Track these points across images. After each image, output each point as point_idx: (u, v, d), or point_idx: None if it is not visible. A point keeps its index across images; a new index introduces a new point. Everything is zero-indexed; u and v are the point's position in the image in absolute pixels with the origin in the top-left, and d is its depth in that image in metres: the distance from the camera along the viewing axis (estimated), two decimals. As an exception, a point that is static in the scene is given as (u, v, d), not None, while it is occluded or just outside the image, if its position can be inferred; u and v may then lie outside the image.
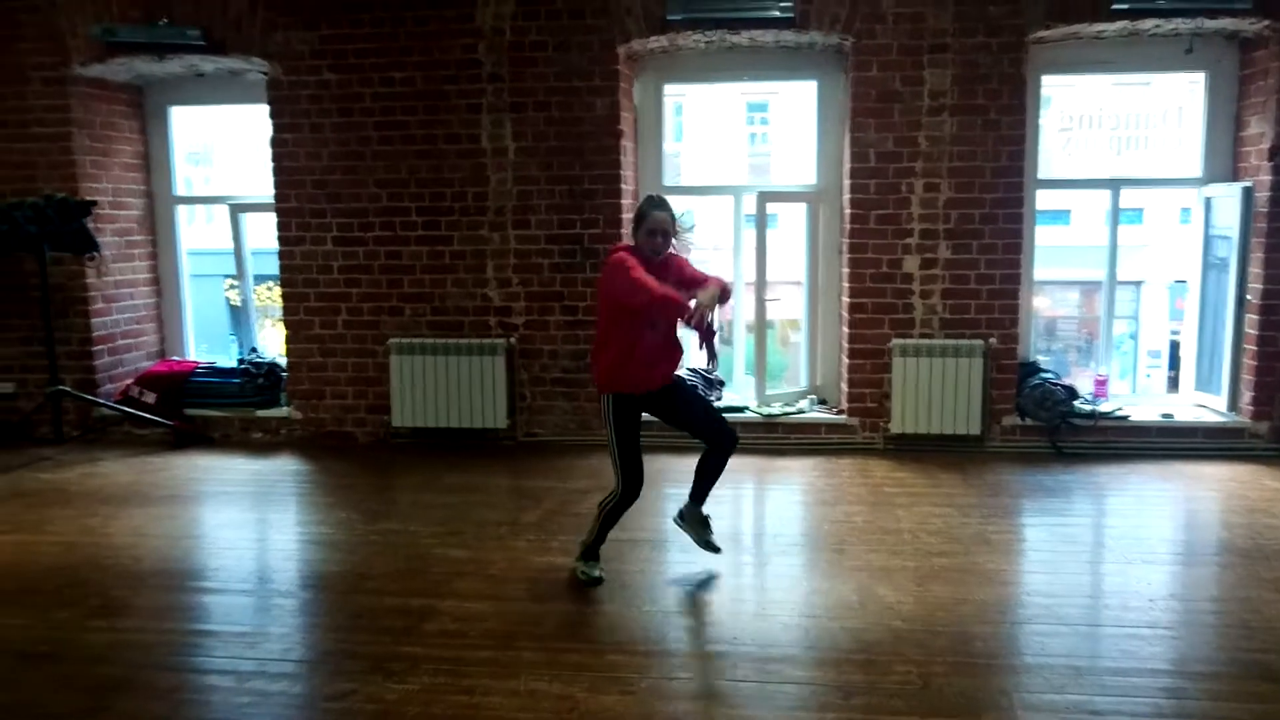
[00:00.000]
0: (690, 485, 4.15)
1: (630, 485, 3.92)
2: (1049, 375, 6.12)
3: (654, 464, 5.73)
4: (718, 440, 4.07)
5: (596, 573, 3.99)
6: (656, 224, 3.82)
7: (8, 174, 6.45)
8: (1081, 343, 20.58)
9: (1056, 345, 17.71)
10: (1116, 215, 6.26)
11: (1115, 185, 6.29)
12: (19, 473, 5.80)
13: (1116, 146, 8.49)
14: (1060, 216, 17.09)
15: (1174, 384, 6.60)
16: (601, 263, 4.12)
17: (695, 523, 4.17)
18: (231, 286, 11.38)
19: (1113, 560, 4.24)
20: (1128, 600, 3.76)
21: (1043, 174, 6.21)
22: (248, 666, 3.29)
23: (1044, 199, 6.30)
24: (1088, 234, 17.72)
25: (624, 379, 3.88)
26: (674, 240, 3.90)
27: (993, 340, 5.94)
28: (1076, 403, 5.99)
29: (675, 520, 4.28)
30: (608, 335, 3.92)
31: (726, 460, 4.10)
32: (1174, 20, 5.58)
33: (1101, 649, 3.36)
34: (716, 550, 4.13)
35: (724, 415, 4.41)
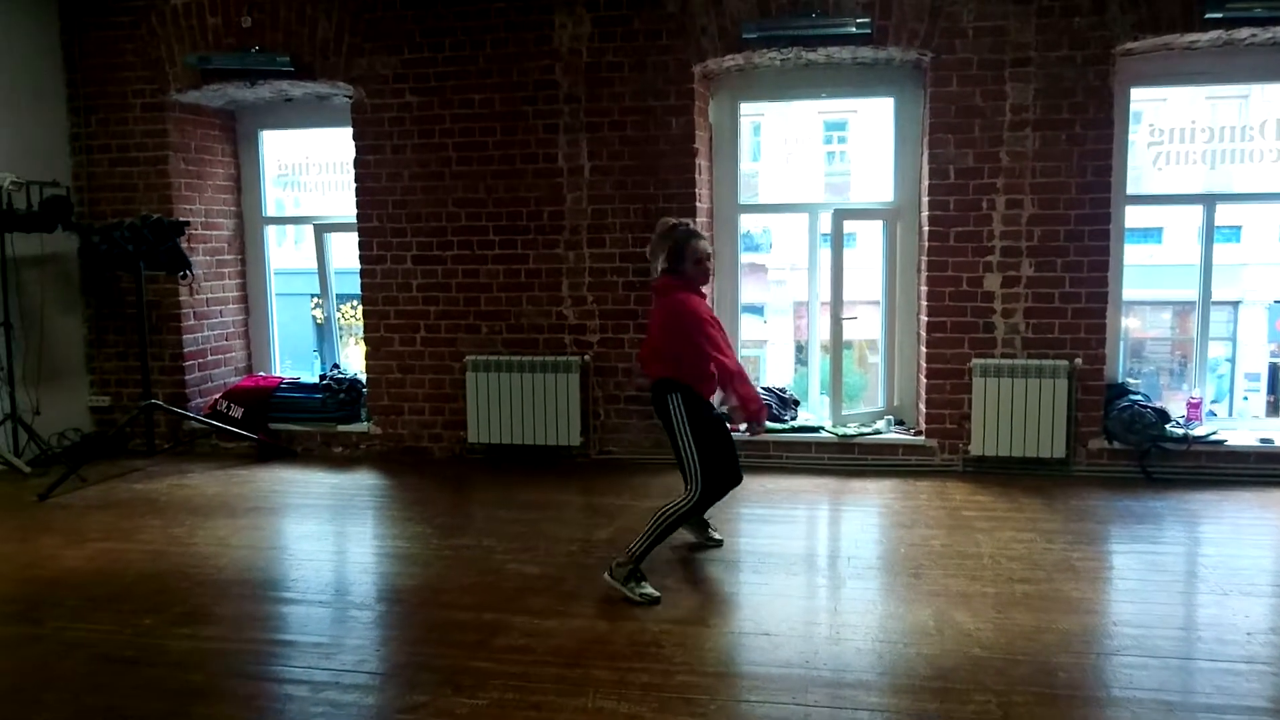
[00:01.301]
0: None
1: (711, 485, 4.07)
2: (1139, 397, 5.90)
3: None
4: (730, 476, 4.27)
5: (652, 591, 3.96)
6: (703, 252, 4.10)
7: (109, 196, 6.75)
8: (1174, 365, 19.88)
9: (1148, 367, 17.12)
10: (1211, 232, 6.03)
11: (1210, 200, 6.06)
12: (112, 483, 6.02)
13: (1211, 161, 8.17)
14: (1152, 235, 16.55)
15: (1274, 408, 6.28)
16: (656, 290, 4.23)
17: (696, 526, 4.58)
18: (316, 305, 11.70)
19: (1207, 591, 4.06)
20: (1223, 634, 3.58)
21: (1132, 190, 6.01)
22: (323, 677, 3.34)
23: (1134, 216, 6.10)
24: (1181, 252, 17.16)
25: (698, 386, 4.07)
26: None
27: (1078, 361, 5.75)
28: (1168, 426, 5.76)
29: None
30: (679, 354, 4.01)
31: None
32: (1271, 29, 5.37)
33: (1194, 684, 3.20)
34: (718, 543, 4.58)
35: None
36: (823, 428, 6.25)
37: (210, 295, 7.02)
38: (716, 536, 4.62)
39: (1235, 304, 17.46)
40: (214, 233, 7.05)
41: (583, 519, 5.22)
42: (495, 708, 3.09)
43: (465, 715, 3.04)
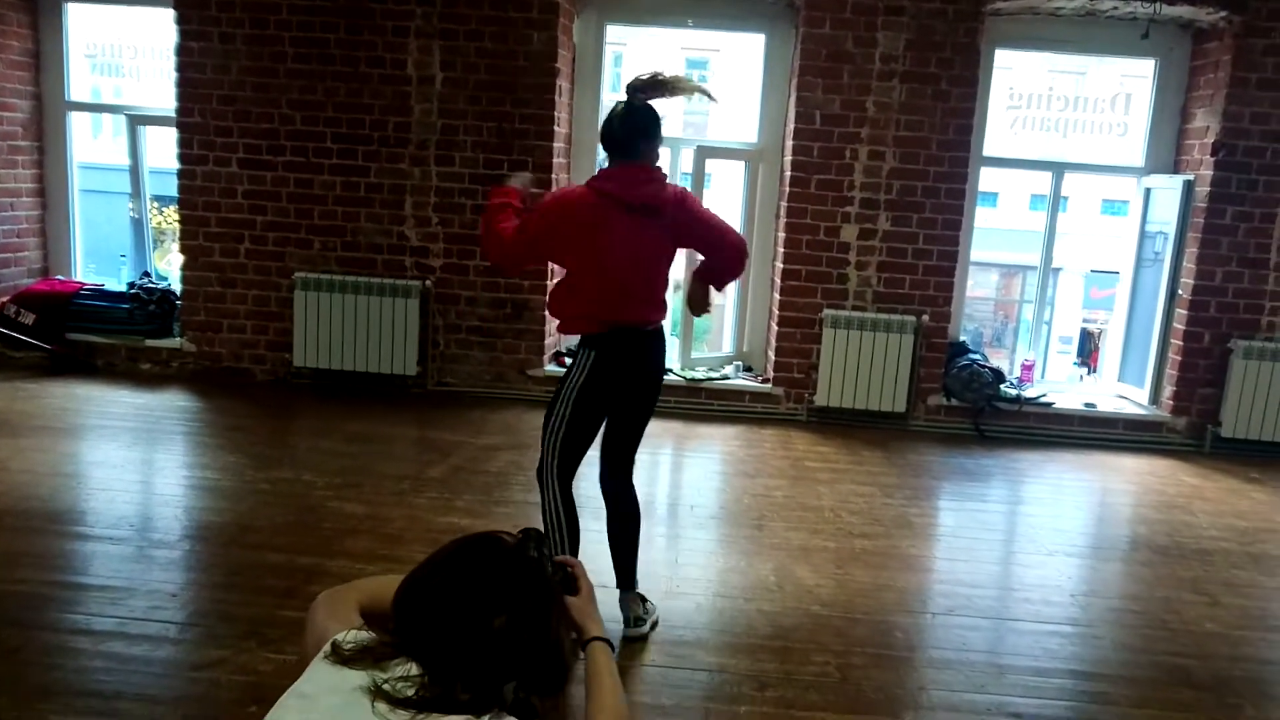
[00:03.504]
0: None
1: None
2: (977, 357, 6.02)
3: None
4: (619, 487, 3.28)
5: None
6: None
7: (-126, 60, 5.82)
8: (997, 324, 20.94)
9: (971, 325, 17.95)
10: (1057, 199, 6.16)
11: (1059, 169, 6.18)
12: None
13: (1063, 130, 8.45)
14: (988, 198, 17.24)
15: (1088, 369, 6.66)
16: (673, 196, 3.01)
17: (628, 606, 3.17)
18: (133, 205, 10.70)
19: (1033, 551, 4.14)
20: (1049, 595, 3.65)
21: (988, 151, 6.07)
22: (107, 625, 2.96)
23: (983, 178, 6.16)
24: (1012, 218, 17.98)
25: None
26: None
27: (925, 318, 5.80)
28: (1003, 386, 5.91)
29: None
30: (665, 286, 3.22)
31: (635, 531, 3.24)
32: (1133, 3, 5.45)
33: (1023, 645, 3.24)
34: (643, 635, 3.10)
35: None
36: (670, 369, 6.11)
37: (0, 185, 6.20)
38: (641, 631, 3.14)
39: (1056, 270, 18.49)
40: (6, 114, 6.19)
41: (415, 454, 4.91)
42: (304, 664, 2.79)
43: (269, 673, 2.73)
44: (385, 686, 1.31)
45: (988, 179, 6.24)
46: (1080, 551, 4.20)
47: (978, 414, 5.89)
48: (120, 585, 3.24)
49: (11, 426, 4.85)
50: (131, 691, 2.62)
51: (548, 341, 6.06)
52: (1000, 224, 16.48)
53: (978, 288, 18.84)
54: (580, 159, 6.16)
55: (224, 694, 2.63)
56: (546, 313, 5.71)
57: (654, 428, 5.15)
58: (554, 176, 5.83)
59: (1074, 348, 16.88)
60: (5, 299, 6.15)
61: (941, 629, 3.32)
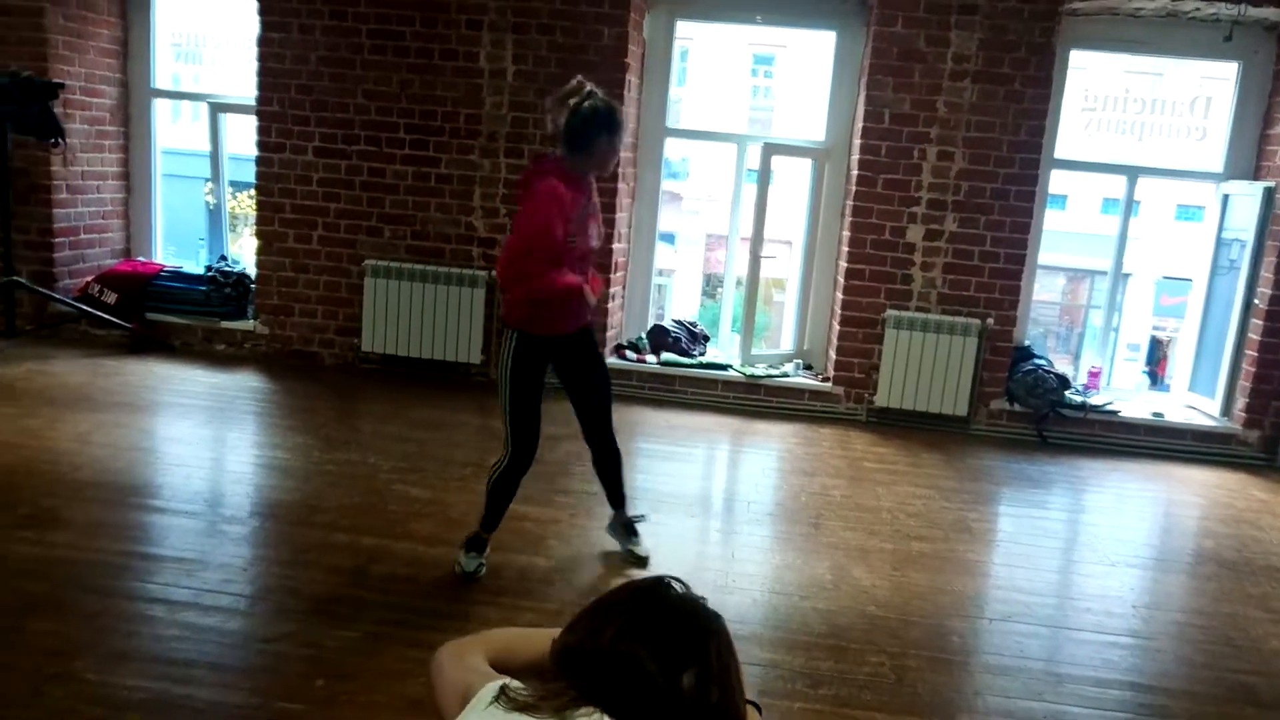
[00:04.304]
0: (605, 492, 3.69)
1: (522, 450, 3.37)
2: (1042, 362, 5.94)
3: (630, 414, 5.57)
4: (597, 444, 3.57)
5: (474, 566, 3.36)
6: (619, 145, 3.27)
7: (-26, 46, 6.06)
8: (1061, 330, 20.51)
9: (1036, 329, 17.63)
10: (1130, 204, 6.04)
11: (1133, 173, 6.06)
12: (-36, 364, 5.52)
13: (1138, 133, 8.27)
14: (1057, 201, 16.91)
15: (1153, 379, 6.54)
16: (531, 178, 3.26)
17: (619, 532, 3.69)
18: (210, 191, 11.02)
19: (1095, 561, 4.09)
20: (1110, 605, 3.60)
21: (1060, 154, 5.96)
22: (182, 595, 3.08)
23: (1052, 180, 6.06)
24: (1080, 221, 17.60)
25: (539, 317, 3.27)
26: None
27: (990, 321, 5.73)
28: (1068, 393, 5.82)
29: (607, 531, 3.74)
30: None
31: (619, 469, 3.62)
32: (1216, 4, 5.32)
33: (1081, 655, 3.20)
34: (643, 562, 3.58)
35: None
36: (731, 366, 6.13)
37: (87, 169, 6.43)
38: (641, 554, 3.64)
39: (1126, 276, 18.07)
40: (95, 100, 6.42)
41: (477, 442, 4.99)
42: (369, 641, 2.88)
43: (335, 648, 2.82)
44: None
45: (1057, 181, 6.14)
46: (1143, 563, 4.13)
47: (1041, 420, 5.81)
48: (193, 558, 3.37)
49: (93, 402, 5.04)
50: (205, 660, 2.72)
51: (610, 334, 6.11)
52: (1069, 227, 16.17)
53: (1043, 291, 18.50)
54: (647, 152, 6.19)
55: (291, 667, 2.72)
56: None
57: (711, 422, 5.20)
58: (620, 170, 5.87)
59: (1142, 355, 16.53)
60: (90, 279, 6.38)
61: (999, 635, 3.30)
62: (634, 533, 3.69)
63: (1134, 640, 3.34)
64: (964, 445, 5.62)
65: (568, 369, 3.47)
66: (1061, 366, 6.03)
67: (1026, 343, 6.17)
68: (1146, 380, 6.62)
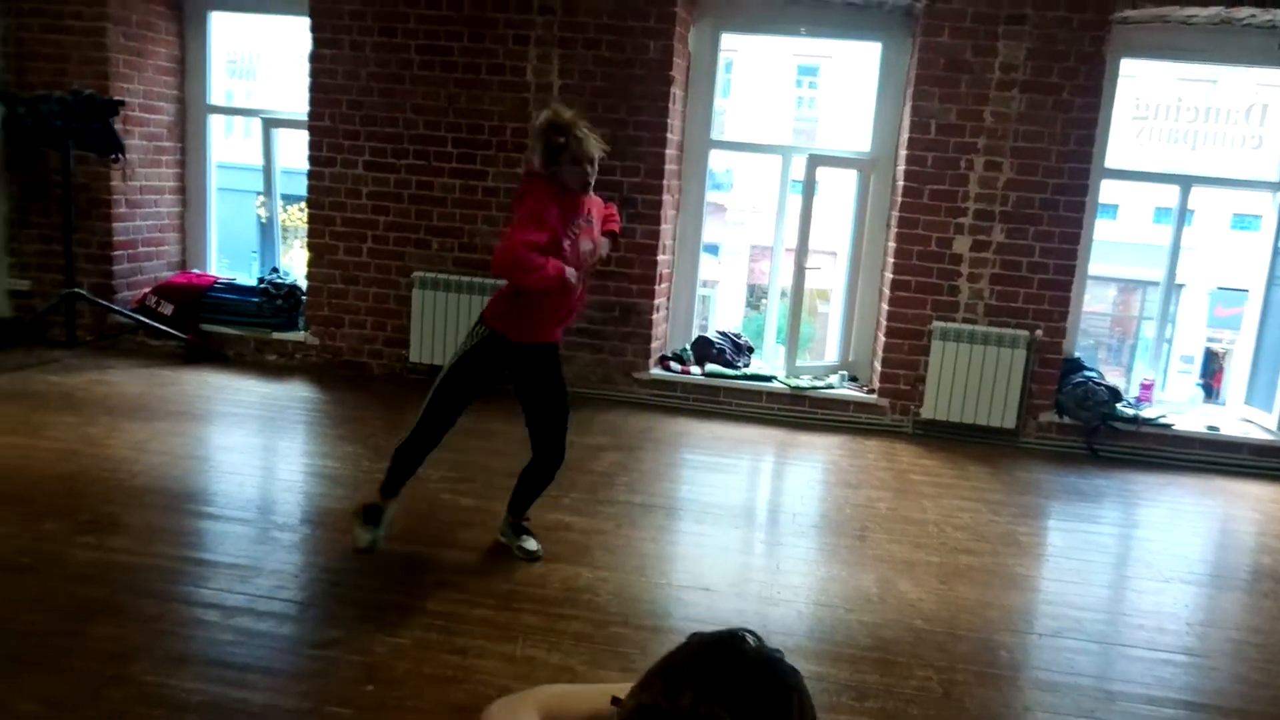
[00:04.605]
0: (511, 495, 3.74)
1: (430, 435, 3.49)
2: (1093, 374, 5.86)
3: (674, 426, 5.59)
4: (549, 448, 3.62)
5: (367, 541, 3.50)
6: (587, 153, 3.30)
7: (39, 65, 6.24)
8: (1113, 341, 20.14)
9: (1086, 341, 17.33)
10: (1184, 213, 5.95)
11: (1187, 182, 5.97)
12: (27, 373, 5.67)
13: (1191, 141, 8.13)
14: (1108, 210, 16.62)
15: (1208, 392, 6.40)
16: (523, 184, 3.44)
17: (511, 533, 3.72)
18: (261, 204, 11.22)
19: (1148, 576, 4.02)
20: (1163, 622, 3.54)
21: (1110, 164, 5.89)
22: (236, 601, 3.14)
23: (1102, 190, 5.99)
24: (1134, 230, 17.29)
25: (521, 324, 3.42)
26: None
27: (1039, 333, 5.67)
28: (1119, 405, 5.73)
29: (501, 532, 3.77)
30: None
31: (551, 479, 3.69)
32: (1272, 11, 5.23)
33: (1134, 672, 3.15)
34: (535, 558, 3.62)
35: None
36: (775, 377, 6.12)
37: (145, 183, 6.60)
38: (535, 551, 3.66)
39: (1179, 287, 17.70)
40: (153, 117, 6.60)
41: (522, 451, 4.96)
42: (417, 648, 2.92)
43: (384, 654, 2.87)
44: None
45: (1107, 190, 6.06)
46: (1198, 579, 4.06)
47: (1092, 433, 5.72)
48: (247, 564, 3.43)
49: (150, 411, 5.16)
50: (259, 664, 2.78)
51: (654, 345, 6.14)
52: (1120, 237, 15.90)
53: (1094, 302, 18.19)
54: (691, 164, 6.22)
55: (342, 672, 2.77)
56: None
57: (755, 434, 5.20)
58: (665, 183, 5.90)
59: (1196, 368, 16.20)
60: (147, 290, 6.54)
61: (1048, 650, 3.26)
62: (526, 532, 3.71)
63: (1188, 658, 3.28)
64: (1012, 458, 5.56)
65: (526, 379, 3.55)
66: (1113, 379, 5.94)
67: (1077, 354, 6.09)
68: (1201, 393, 6.49)
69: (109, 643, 2.81)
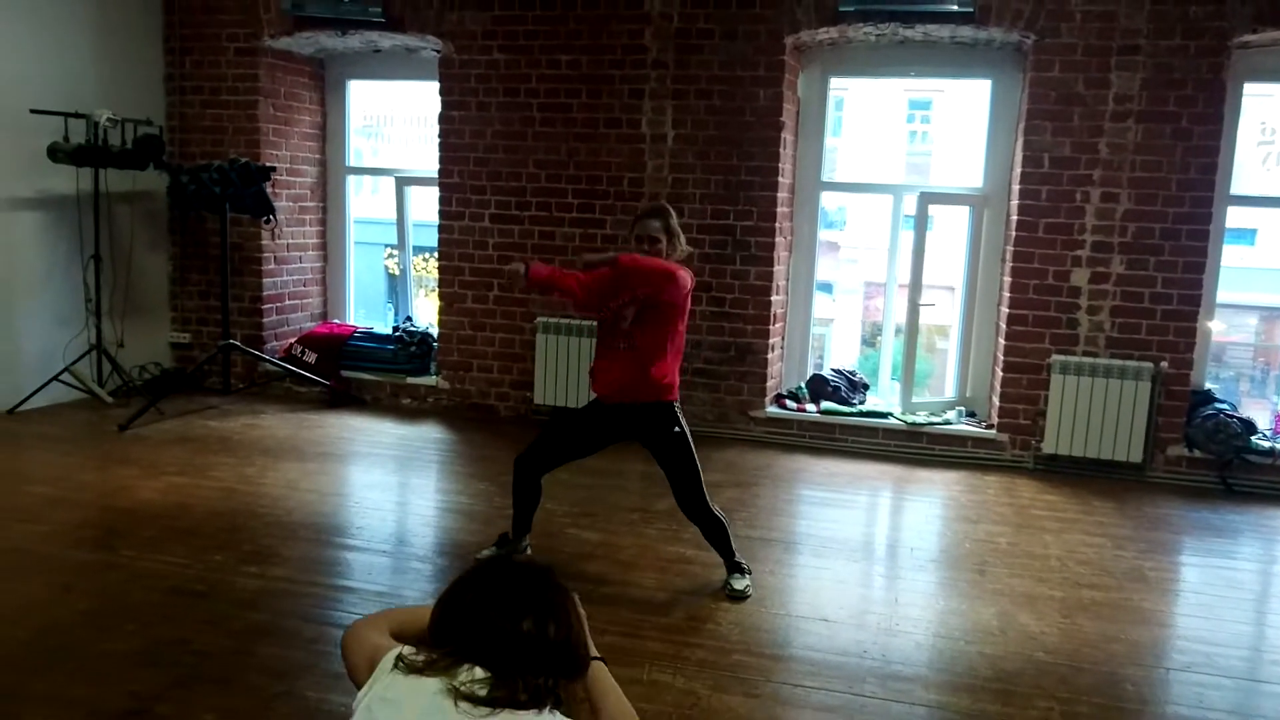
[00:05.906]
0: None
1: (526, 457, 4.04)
2: (1224, 406, 5.69)
3: (791, 462, 5.69)
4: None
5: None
6: (643, 230, 3.93)
7: (199, 137, 6.87)
8: (1256, 372, 19.13)
9: (1227, 373, 16.53)
10: (1317, 239, 5.76)
11: (1318, 206, 5.79)
12: (189, 418, 6.17)
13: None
14: (1246, 235, 15.90)
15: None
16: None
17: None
18: (390, 256, 11.83)
19: (1285, 612, 3.92)
20: (1300, 658, 3.46)
21: (1236, 189, 5.76)
22: (383, 626, 3.39)
23: (1233, 216, 5.85)
24: (1273, 256, 16.47)
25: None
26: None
27: (1164, 364, 5.56)
28: (1254, 438, 5.55)
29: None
30: None
31: (704, 532, 3.95)
32: (1402, 28, 5.08)
33: (1270, 708, 3.10)
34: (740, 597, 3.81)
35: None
36: (891, 414, 6.15)
37: (291, 241, 7.13)
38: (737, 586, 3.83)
39: (1309, 312, 16.72)
40: (298, 179, 7.14)
41: (643, 488, 5.21)
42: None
43: (521, 676, 3.06)
44: (463, 689, 1.54)
45: (1244, 216, 5.92)
46: (1341, 616, 3.92)
47: (1224, 466, 5.56)
48: (389, 592, 3.71)
49: (300, 452, 5.56)
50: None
51: (769, 384, 6.26)
52: (1260, 263, 15.18)
53: (1233, 332, 17.34)
54: (803, 205, 6.36)
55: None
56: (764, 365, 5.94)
57: (872, 470, 5.27)
58: (777, 225, 6.05)
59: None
60: (293, 340, 7.03)
61: (1177, 685, 3.22)
62: (735, 570, 3.90)
63: (1327, 695, 3.20)
64: (1140, 493, 5.44)
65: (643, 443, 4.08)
66: (1257, 410, 5.74)
67: (1208, 386, 5.93)
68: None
69: (275, 661, 3.09)
